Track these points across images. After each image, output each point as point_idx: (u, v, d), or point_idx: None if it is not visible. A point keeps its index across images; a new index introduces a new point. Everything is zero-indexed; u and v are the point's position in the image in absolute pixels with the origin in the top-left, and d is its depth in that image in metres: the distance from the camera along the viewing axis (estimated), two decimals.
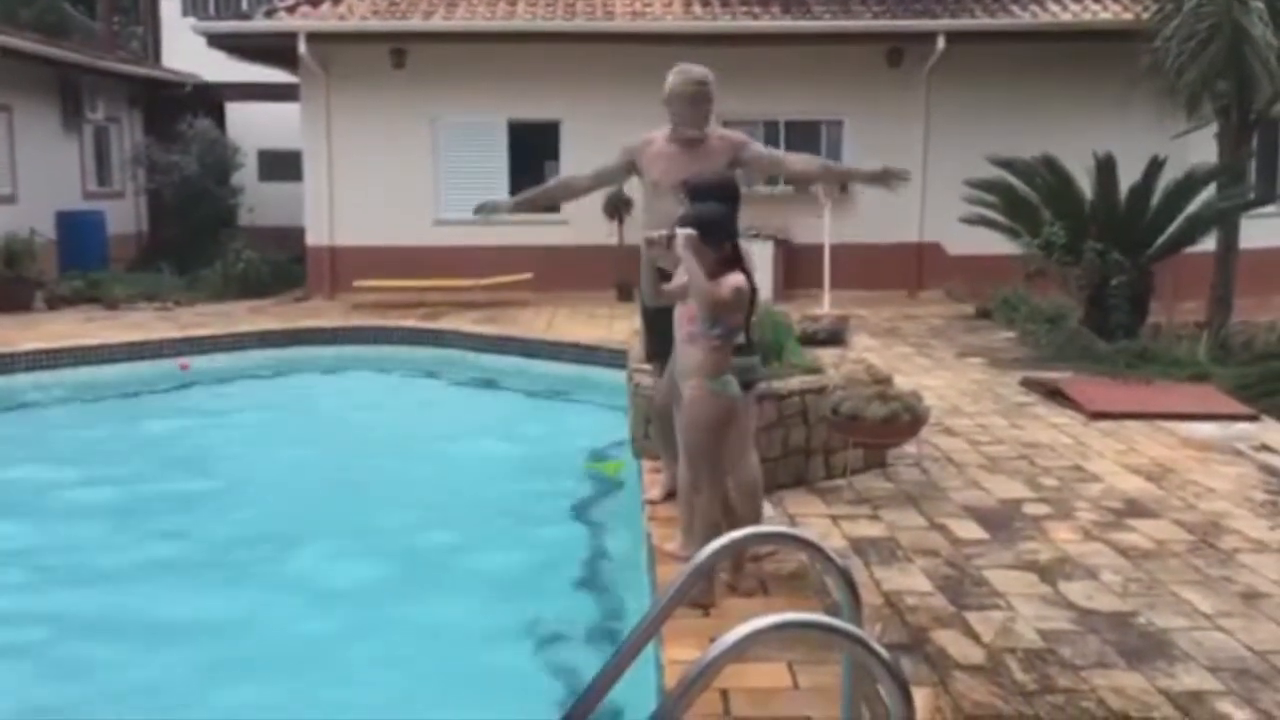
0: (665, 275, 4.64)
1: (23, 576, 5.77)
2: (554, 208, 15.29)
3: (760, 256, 13.95)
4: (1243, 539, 5.27)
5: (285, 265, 16.06)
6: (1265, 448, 6.99)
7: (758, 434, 5.11)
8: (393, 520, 6.55)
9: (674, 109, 5.11)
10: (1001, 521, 5.53)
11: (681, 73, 5.11)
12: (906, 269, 15.29)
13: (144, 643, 4.96)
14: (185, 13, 19.63)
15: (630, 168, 5.31)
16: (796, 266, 14.59)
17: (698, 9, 14.80)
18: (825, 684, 3.62)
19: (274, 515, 6.71)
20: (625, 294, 14.37)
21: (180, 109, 18.76)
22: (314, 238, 15.35)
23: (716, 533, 4.03)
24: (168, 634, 5.02)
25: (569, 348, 10.90)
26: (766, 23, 14.34)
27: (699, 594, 4.26)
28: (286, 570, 5.79)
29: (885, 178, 5.34)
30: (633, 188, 14.31)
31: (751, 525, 4.23)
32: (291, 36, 14.38)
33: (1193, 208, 10.71)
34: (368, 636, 4.96)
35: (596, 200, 14.53)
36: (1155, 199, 10.58)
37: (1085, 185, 10.76)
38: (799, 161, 5.81)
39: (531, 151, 15.35)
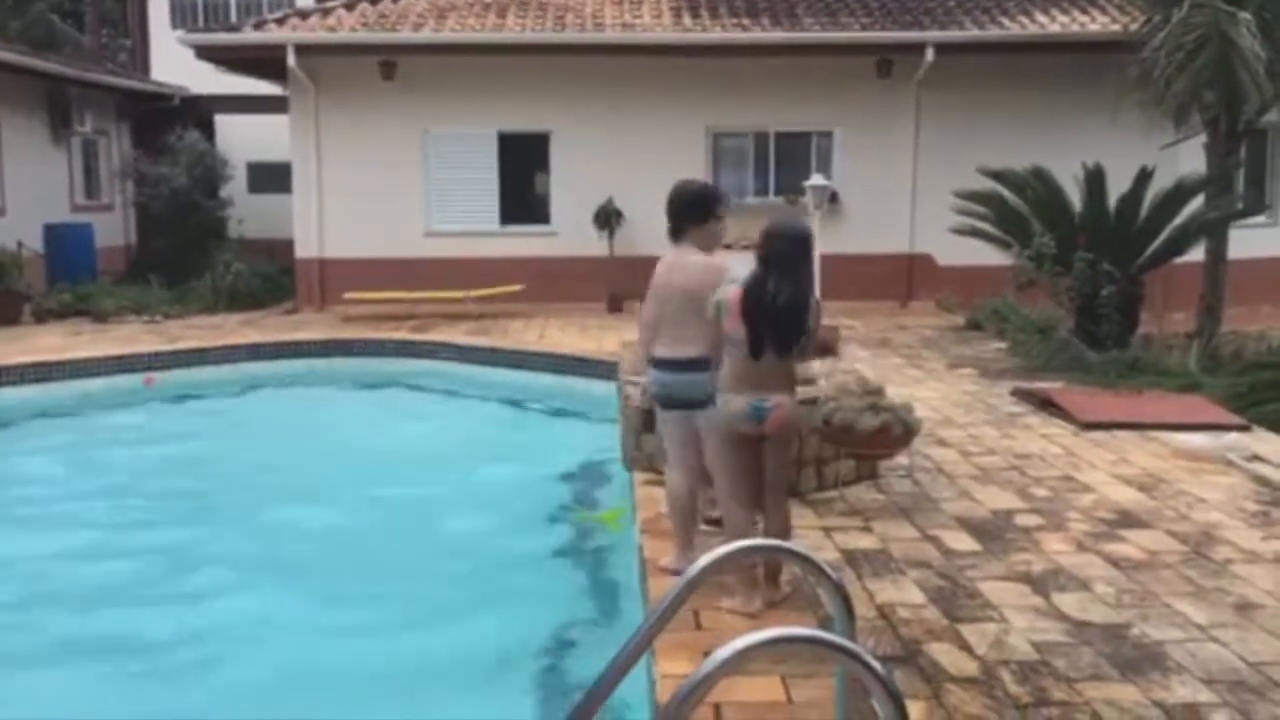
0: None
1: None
2: (546, 218, 15.29)
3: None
4: (1235, 549, 5.26)
5: (275, 277, 16.02)
6: (1256, 458, 7.00)
7: None
8: (379, 535, 6.52)
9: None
10: (994, 533, 5.52)
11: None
12: (897, 280, 15.29)
13: (116, 662, 4.92)
14: (174, 25, 19.59)
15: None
16: None
17: (688, 20, 14.82)
18: (819, 697, 3.61)
19: (257, 529, 6.66)
20: (616, 305, 14.36)
21: (169, 121, 18.73)
22: (303, 250, 15.31)
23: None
24: (139, 653, 4.99)
25: (560, 360, 10.88)
26: (756, 34, 14.36)
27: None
28: (261, 590, 5.73)
29: None
30: (622, 199, 14.39)
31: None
32: (280, 49, 14.36)
33: (1181, 218, 10.76)
34: (362, 657, 4.92)
35: (586, 211, 14.56)
36: (1144, 209, 10.63)
37: (1075, 196, 10.79)
38: None
39: (522, 163, 15.34)
